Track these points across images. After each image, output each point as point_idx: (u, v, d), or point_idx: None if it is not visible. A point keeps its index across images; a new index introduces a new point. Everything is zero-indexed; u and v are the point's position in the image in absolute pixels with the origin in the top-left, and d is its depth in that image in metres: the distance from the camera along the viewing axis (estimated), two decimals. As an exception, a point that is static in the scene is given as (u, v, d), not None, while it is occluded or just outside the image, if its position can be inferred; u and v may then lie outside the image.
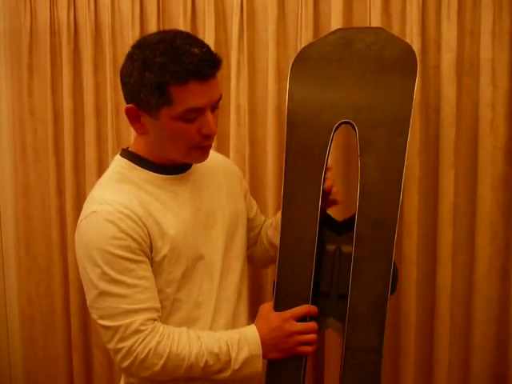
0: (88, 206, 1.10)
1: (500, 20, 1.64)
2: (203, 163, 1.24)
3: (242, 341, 1.09)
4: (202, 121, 1.05)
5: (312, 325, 1.15)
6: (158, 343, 1.04)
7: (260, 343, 1.10)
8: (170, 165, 1.15)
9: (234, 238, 1.24)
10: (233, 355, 1.07)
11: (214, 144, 1.85)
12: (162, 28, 1.91)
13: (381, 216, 1.11)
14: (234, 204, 1.28)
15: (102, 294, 1.04)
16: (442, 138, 1.72)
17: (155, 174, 1.14)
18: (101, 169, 2.03)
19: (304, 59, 1.20)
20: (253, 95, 1.86)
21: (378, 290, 1.10)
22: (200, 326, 1.15)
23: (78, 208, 2.07)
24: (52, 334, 2.20)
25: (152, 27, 1.91)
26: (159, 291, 1.11)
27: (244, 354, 1.08)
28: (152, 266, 1.09)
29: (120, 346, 1.03)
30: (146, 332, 1.04)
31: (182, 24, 1.87)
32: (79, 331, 2.13)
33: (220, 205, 1.22)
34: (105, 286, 1.03)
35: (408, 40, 1.70)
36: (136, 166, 1.14)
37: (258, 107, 1.88)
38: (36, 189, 2.16)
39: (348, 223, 1.18)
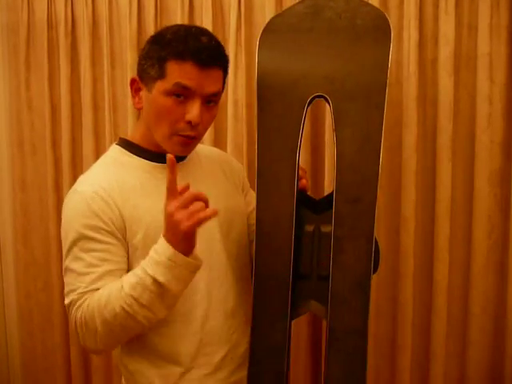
0: (74, 186, 1.14)
1: (497, 14, 1.64)
2: (199, 156, 1.24)
3: (155, 256, 1.00)
4: (189, 106, 1.06)
5: (193, 194, 0.99)
6: (88, 305, 1.03)
7: (169, 246, 0.98)
8: (163, 152, 1.13)
9: (229, 234, 1.21)
10: (151, 272, 0.98)
11: (211, 138, 1.88)
12: (159, 23, 1.91)
13: (360, 192, 1.07)
14: (232, 200, 1.25)
15: (66, 269, 1.08)
16: (439, 133, 1.72)
17: (146, 161, 1.15)
18: (98, 163, 2.02)
19: (272, 31, 1.16)
20: (250, 90, 1.86)
21: (361, 270, 1.06)
22: (193, 323, 1.14)
23: (76, 202, 2.07)
24: (50, 327, 2.21)
25: (149, 22, 1.91)
26: None
27: (162, 264, 0.98)
28: (129, 250, 1.10)
29: (72, 322, 1.06)
30: (80, 302, 1.04)
31: (179, 18, 1.87)
32: (77, 325, 2.13)
33: (215, 199, 1.16)
34: (69, 261, 1.07)
35: (405, 34, 1.71)
36: (128, 153, 1.16)
37: (256, 101, 1.87)
38: (33, 183, 2.16)
39: (326, 201, 1.13)
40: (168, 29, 1.10)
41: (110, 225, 1.07)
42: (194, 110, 1.06)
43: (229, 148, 1.86)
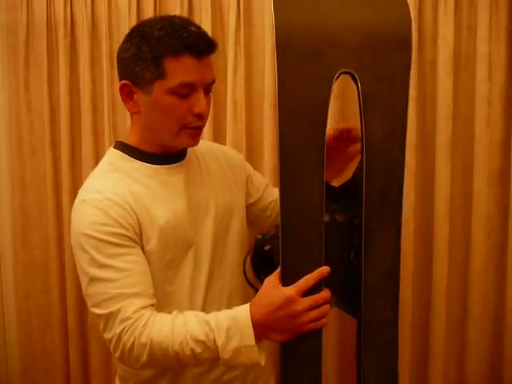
0: (79, 196, 1.09)
1: (497, 14, 1.64)
2: (196, 153, 1.23)
3: (232, 329, 0.97)
4: (194, 99, 1.05)
5: (323, 295, 0.98)
6: (141, 333, 0.99)
7: (252, 332, 0.96)
8: (163, 154, 1.14)
9: (227, 231, 1.21)
10: (219, 344, 0.96)
11: (210, 138, 1.87)
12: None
13: (388, 180, 1.01)
14: (230, 195, 1.24)
15: (92, 279, 1.02)
16: (438, 133, 1.72)
17: (146, 164, 1.13)
18: (97, 163, 1.98)
19: None
20: (249, 90, 1.86)
21: (391, 260, 1.02)
22: None
23: (75, 203, 2.08)
24: (49, 328, 2.20)
25: (149, 22, 1.91)
26: None
27: (234, 344, 0.96)
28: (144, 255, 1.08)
29: (110, 335, 1.01)
30: (132, 321, 0.99)
31: (178, 19, 1.87)
32: (76, 326, 2.13)
33: (214, 196, 1.20)
34: (94, 271, 1.01)
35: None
36: (127, 157, 1.14)
37: (255, 102, 1.88)
38: (32, 183, 2.16)
39: (342, 189, 1.08)
40: (150, 26, 1.05)
41: (130, 230, 1.04)
42: (200, 103, 1.05)
43: (228, 149, 1.86)
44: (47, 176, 2.10)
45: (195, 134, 1.10)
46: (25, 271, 2.20)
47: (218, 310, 1.11)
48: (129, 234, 1.04)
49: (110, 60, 1.97)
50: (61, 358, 2.18)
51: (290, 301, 0.95)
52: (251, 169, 1.38)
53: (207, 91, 1.09)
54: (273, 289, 0.98)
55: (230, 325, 0.97)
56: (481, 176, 1.71)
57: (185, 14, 1.87)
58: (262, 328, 0.97)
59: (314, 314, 0.96)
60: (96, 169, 1.16)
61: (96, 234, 1.01)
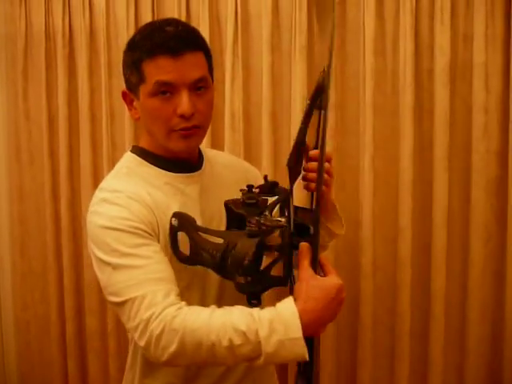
0: (97, 195, 1.08)
1: (493, 24, 1.65)
2: (211, 163, 1.22)
3: (276, 320, 0.89)
4: (177, 100, 1.03)
5: None
6: (174, 318, 0.91)
7: (299, 323, 0.89)
8: (180, 161, 1.13)
9: None
10: (262, 335, 0.88)
11: (210, 148, 1.88)
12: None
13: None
14: None
15: (115, 268, 0.98)
16: (435, 142, 1.73)
17: (163, 171, 1.12)
18: (95, 173, 2.03)
19: None
20: (247, 101, 1.87)
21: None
22: None
23: (73, 212, 2.08)
24: (47, 339, 2.19)
25: (147, 32, 1.92)
26: None
27: (278, 336, 0.88)
28: None
29: (136, 322, 0.94)
30: (162, 306, 0.93)
31: (176, 29, 1.88)
32: (74, 336, 2.12)
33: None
34: (117, 260, 0.98)
35: (401, 44, 1.72)
36: (144, 162, 1.13)
37: (253, 112, 1.88)
38: (31, 192, 2.16)
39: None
40: (137, 31, 1.09)
41: (150, 227, 1.03)
42: (182, 103, 1.03)
43: (226, 158, 1.86)
44: (45, 185, 2.10)
45: (186, 135, 1.07)
46: (23, 281, 2.19)
47: None
48: (149, 231, 1.02)
49: (108, 70, 1.97)
50: (59, 369, 2.17)
51: (341, 288, 0.94)
52: None
53: (198, 88, 1.06)
54: (319, 281, 0.94)
55: (273, 317, 0.90)
56: (478, 184, 1.72)
57: (183, 25, 1.88)
58: (314, 324, 0.92)
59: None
60: (113, 171, 1.15)
61: (118, 226, 1.00)
